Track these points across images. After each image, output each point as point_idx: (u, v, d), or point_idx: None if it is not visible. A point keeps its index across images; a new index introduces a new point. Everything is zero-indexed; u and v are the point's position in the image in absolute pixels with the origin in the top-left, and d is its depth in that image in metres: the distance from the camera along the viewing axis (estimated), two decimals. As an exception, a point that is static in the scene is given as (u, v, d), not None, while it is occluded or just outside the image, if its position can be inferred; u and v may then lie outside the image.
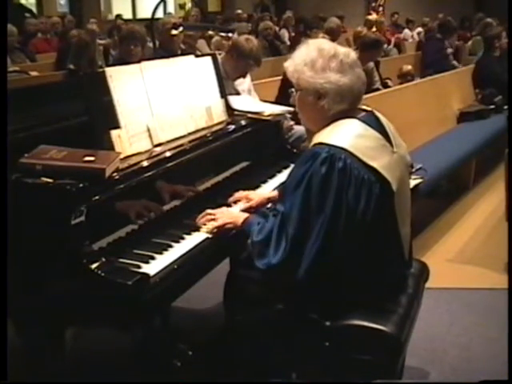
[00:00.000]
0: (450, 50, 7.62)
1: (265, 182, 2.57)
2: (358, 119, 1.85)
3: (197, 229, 2.07)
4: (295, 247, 1.77)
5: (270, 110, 2.79)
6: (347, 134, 1.81)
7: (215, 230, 2.03)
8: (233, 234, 2.08)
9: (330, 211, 1.74)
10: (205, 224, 2.06)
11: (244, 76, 3.87)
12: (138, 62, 2.24)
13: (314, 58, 1.84)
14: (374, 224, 1.79)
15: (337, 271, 1.81)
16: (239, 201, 2.30)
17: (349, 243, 1.78)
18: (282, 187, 2.39)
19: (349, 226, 1.76)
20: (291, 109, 2.94)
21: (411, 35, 11.13)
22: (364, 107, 1.95)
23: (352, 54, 1.88)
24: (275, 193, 2.37)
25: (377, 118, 1.93)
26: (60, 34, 8.64)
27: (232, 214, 2.11)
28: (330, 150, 1.76)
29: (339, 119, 1.85)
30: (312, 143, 1.85)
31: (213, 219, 2.05)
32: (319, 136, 1.84)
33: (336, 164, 1.74)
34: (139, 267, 1.79)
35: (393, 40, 9.61)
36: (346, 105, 1.84)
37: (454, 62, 7.55)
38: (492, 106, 5.77)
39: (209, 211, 2.09)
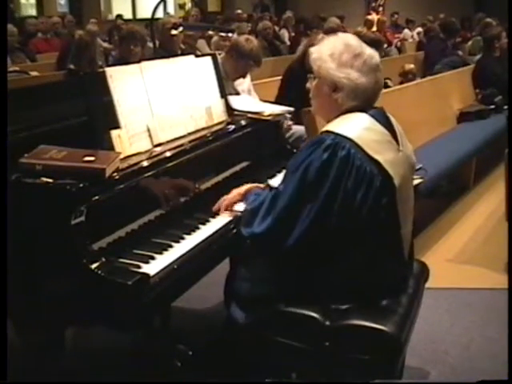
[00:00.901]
0: (460, 53, 7.55)
1: (265, 182, 2.57)
2: (367, 113, 1.88)
3: (197, 228, 2.07)
4: (281, 222, 1.82)
5: (270, 109, 2.80)
6: (355, 126, 1.84)
7: (229, 209, 2.16)
8: (233, 233, 2.08)
9: (323, 196, 1.77)
10: (219, 210, 2.18)
11: (244, 76, 3.86)
12: (138, 62, 2.24)
13: (340, 52, 1.86)
14: (372, 218, 1.80)
15: (329, 259, 1.82)
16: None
17: (343, 233, 1.80)
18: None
19: (343, 215, 1.78)
20: (291, 109, 2.95)
21: (411, 35, 11.12)
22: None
23: (376, 57, 1.91)
24: None
25: (386, 116, 1.96)
26: (65, 34, 8.64)
27: (240, 189, 2.21)
28: (336, 138, 1.79)
29: (349, 112, 1.88)
30: (320, 131, 1.89)
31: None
32: (327, 126, 1.88)
33: (339, 152, 1.77)
34: (139, 267, 1.79)
35: (394, 42, 9.61)
36: (358, 103, 1.87)
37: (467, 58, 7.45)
38: (492, 106, 5.76)
39: (225, 197, 2.20)
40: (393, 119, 1.98)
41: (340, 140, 1.79)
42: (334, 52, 1.87)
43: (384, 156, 1.83)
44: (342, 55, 1.86)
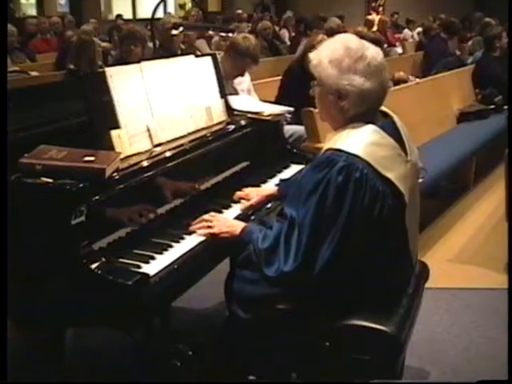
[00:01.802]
0: (458, 52, 7.55)
1: (265, 182, 2.57)
2: (376, 125, 1.81)
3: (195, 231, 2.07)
4: (308, 255, 1.75)
5: (270, 109, 2.79)
6: (364, 141, 1.77)
7: (211, 236, 2.00)
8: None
9: (344, 221, 1.72)
10: (201, 229, 2.03)
11: (242, 74, 3.85)
12: (138, 62, 2.24)
13: (340, 57, 1.78)
14: (384, 234, 1.78)
15: (346, 279, 1.80)
16: (242, 199, 2.31)
17: (359, 252, 1.77)
18: (282, 185, 2.39)
19: (360, 235, 1.75)
20: (291, 109, 2.95)
21: (411, 35, 11.13)
22: (383, 109, 1.92)
23: (379, 56, 1.82)
24: (274, 190, 2.38)
25: (394, 124, 1.90)
26: (60, 34, 8.64)
27: (229, 222, 2.08)
28: (348, 158, 1.72)
29: (357, 122, 1.81)
30: (327, 146, 1.81)
31: (209, 226, 2.03)
32: (335, 141, 1.80)
33: (353, 174, 1.71)
34: (139, 267, 1.79)
35: (398, 44, 9.64)
36: (365, 108, 1.81)
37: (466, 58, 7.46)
38: (492, 106, 5.76)
39: (205, 217, 2.07)
40: (400, 125, 1.92)
41: (352, 160, 1.72)
42: (333, 58, 1.78)
43: (395, 173, 1.78)
44: (343, 61, 1.77)
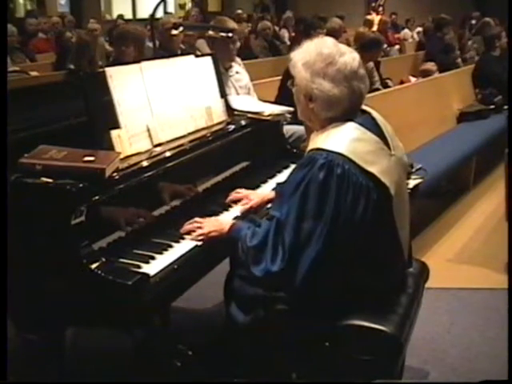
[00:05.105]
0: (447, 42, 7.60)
1: (265, 182, 2.58)
2: (355, 122, 1.82)
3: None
4: (294, 254, 1.75)
5: (270, 109, 2.79)
6: (345, 139, 1.78)
7: (200, 238, 2.00)
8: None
9: (328, 218, 1.72)
10: (191, 231, 2.03)
11: (231, 53, 3.76)
12: (138, 61, 2.24)
13: (312, 61, 1.80)
14: (372, 229, 1.79)
15: (335, 276, 1.80)
16: (239, 200, 2.31)
17: (347, 248, 1.78)
18: (278, 188, 2.39)
19: (347, 232, 1.75)
20: (291, 109, 2.95)
21: (411, 35, 11.12)
22: (362, 107, 1.92)
23: (352, 65, 1.80)
24: (273, 194, 2.38)
25: (374, 120, 1.91)
26: (56, 35, 8.62)
27: (218, 221, 2.08)
28: (328, 155, 1.74)
29: (335, 122, 1.82)
30: (309, 148, 1.84)
31: (199, 227, 2.02)
32: (316, 141, 1.82)
33: (334, 170, 1.72)
34: (139, 267, 1.79)
35: (397, 46, 9.66)
36: (335, 114, 1.81)
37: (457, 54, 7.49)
38: (492, 106, 5.76)
39: (196, 219, 2.06)
40: (381, 121, 1.92)
41: (333, 157, 1.73)
42: (307, 61, 1.81)
43: (378, 166, 1.78)
44: (315, 64, 1.79)
